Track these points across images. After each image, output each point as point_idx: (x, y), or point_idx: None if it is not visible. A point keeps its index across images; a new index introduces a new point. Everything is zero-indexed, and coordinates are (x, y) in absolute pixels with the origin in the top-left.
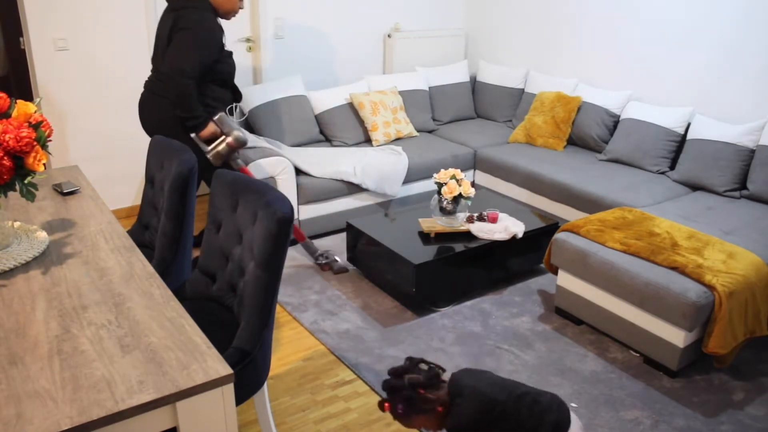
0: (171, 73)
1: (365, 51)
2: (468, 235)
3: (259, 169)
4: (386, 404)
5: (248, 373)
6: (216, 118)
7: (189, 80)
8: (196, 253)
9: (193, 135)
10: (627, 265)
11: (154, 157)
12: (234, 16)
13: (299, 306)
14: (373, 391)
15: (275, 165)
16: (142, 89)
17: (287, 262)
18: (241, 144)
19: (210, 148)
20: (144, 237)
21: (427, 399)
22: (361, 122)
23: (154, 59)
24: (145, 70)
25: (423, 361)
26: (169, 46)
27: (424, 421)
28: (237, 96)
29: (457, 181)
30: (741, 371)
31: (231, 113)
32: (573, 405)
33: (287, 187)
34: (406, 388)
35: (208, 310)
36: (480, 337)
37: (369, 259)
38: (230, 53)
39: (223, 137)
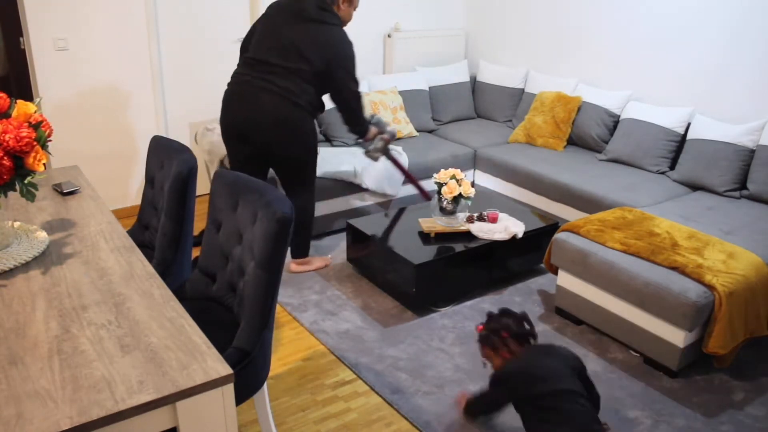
0: (349, 98)
1: (365, 51)
2: (468, 235)
3: None
4: (479, 326)
5: (248, 373)
6: (374, 121)
7: (355, 88)
8: (196, 253)
9: (360, 140)
10: (627, 265)
11: (154, 157)
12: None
13: (299, 306)
14: (373, 391)
15: None
16: (135, 91)
17: (287, 262)
18: (393, 138)
19: (371, 147)
20: (144, 237)
21: (503, 342)
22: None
23: (269, 54)
24: (145, 70)
25: (529, 321)
26: (304, 56)
27: (491, 355)
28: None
29: (457, 181)
30: (741, 371)
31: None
32: None
33: None
34: (499, 325)
35: (208, 310)
36: None
37: (369, 259)
38: None
39: (379, 134)
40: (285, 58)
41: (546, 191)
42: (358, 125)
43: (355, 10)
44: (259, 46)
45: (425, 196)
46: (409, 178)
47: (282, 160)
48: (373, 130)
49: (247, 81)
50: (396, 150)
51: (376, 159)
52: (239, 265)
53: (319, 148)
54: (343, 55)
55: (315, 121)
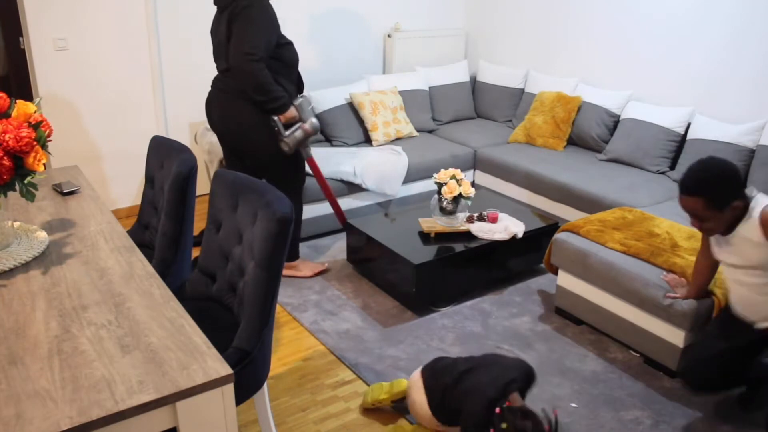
0: (239, 61)
1: (365, 51)
2: (468, 235)
3: None
4: (497, 409)
5: (248, 373)
6: (297, 102)
7: (258, 62)
8: (196, 253)
9: (275, 118)
10: (627, 266)
11: (154, 157)
12: None
13: (299, 306)
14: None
15: None
16: (135, 91)
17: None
18: (315, 131)
19: (287, 133)
20: (144, 237)
21: None
22: (361, 122)
23: (217, 60)
24: (145, 70)
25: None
26: (230, 40)
27: None
28: (300, 86)
29: (457, 181)
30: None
31: None
32: (573, 405)
33: None
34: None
35: (208, 310)
36: (480, 337)
37: (369, 259)
38: (290, 41)
39: (300, 123)
40: (219, 57)
41: (546, 191)
42: (265, 95)
43: None
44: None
45: (340, 217)
46: (326, 190)
47: (249, 157)
48: (291, 111)
49: (212, 85)
50: (395, 150)
51: (288, 150)
52: (239, 265)
53: (319, 148)
54: (243, 12)
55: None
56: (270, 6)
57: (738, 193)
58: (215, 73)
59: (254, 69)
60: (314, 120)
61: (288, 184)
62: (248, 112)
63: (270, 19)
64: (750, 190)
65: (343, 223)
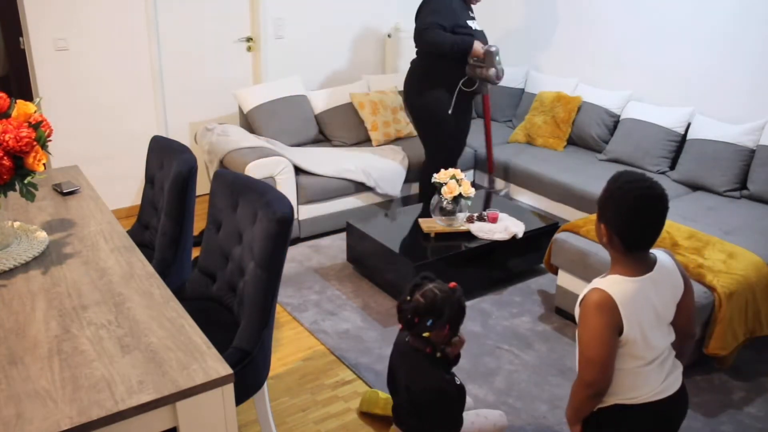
0: (417, 38)
1: (365, 51)
2: (468, 235)
3: (259, 169)
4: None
5: (248, 373)
6: (488, 48)
7: (428, 30)
8: (196, 253)
9: (470, 60)
10: None
11: (154, 157)
12: (474, 2)
13: (299, 306)
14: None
15: (275, 165)
16: (135, 91)
17: (287, 262)
18: (492, 80)
19: (471, 61)
20: (144, 237)
21: None
22: (361, 122)
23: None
24: (145, 70)
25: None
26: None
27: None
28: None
29: (457, 181)
30: (741, 371)
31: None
32: None
33: (287, 187)
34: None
35: (208, 310)
36: (480, 337)
37: (369, 259)
38: (471, 31)
39: (483, 65)
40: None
41: (546, 191)
42: (446, 47)
43: None
44: None
45: (489, 164)
46: (488, 134)
47: (416, 124)
48: (478, 49)
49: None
50: (395, 150)
51: (469, 74)
52: (239, 265)
53: (319, 148)
54: (424, 2)
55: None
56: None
57: (613, 227)
58: (215, 72)
59: (428, 36)
60: (494, 70)
61: (441, 150)
62: (417, 83)
63: (440, 6)
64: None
65: (491, 171)
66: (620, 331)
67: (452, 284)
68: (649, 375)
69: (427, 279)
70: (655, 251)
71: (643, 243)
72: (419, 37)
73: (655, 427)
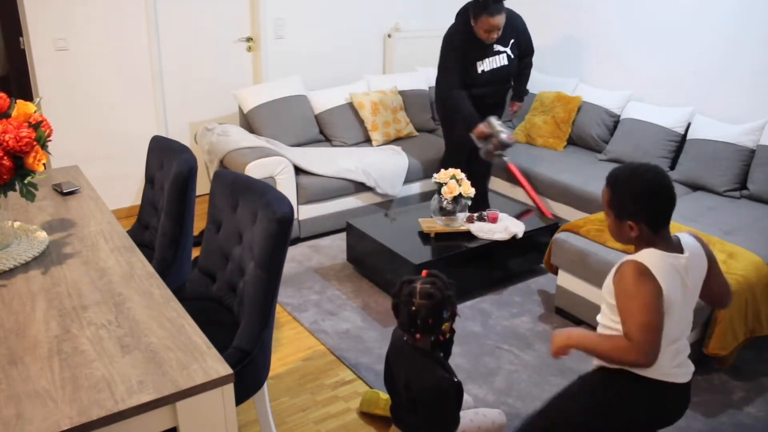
0: (438, 98)
1: (365, 51)
2: (468, 235)
3: (259, 169)
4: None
5: (248, 373)
6: (485, 121)
7: (449, 91)
8: (196, 253)
9: (471, 134)
10: None
11: (154, 157)
12: (487, 41)
13: (299, 306)
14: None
15: (275, 165)
16: (135, 91)
17: (287, 262)
18: (504, 145)
19: (481, 145)
20: (144, 237)
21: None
22: (361, 122)
23: None
24: (145, 70)
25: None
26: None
27: None
28: (477, 105)
29: (457, 181)
30: (741, 371)
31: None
32: None
33: (287, 187)
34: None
35: (208, 310)
36: (480, 337)
37: (369, 259)
38: (478, 71)
39: (491, 137)
40: None
41: (546, 191)
42: (457, 116)
43: (481, 30)
44: None
45: (543, 211)
46: (528, 192)
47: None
48: (480, 128)
49: None
50: (395, 150)
51: (488, 159)
52: (239, 265)
53: (319, 148)
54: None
55: (455, 100)
56: (455, 41)
57: (638, 217)
58: (215, 72)
59: (449, 103)
60: (503, 136)
61: (451, 146)
62: (439, 97)
63: (447, 55)
64: (677, 236)
65: (548, 215)
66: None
67: (424, 272)
68: (664, 353)
69: (405, 284)
70: (679, 234)
71: (667, 216)
72: (441, 100)
73: (652, 409)
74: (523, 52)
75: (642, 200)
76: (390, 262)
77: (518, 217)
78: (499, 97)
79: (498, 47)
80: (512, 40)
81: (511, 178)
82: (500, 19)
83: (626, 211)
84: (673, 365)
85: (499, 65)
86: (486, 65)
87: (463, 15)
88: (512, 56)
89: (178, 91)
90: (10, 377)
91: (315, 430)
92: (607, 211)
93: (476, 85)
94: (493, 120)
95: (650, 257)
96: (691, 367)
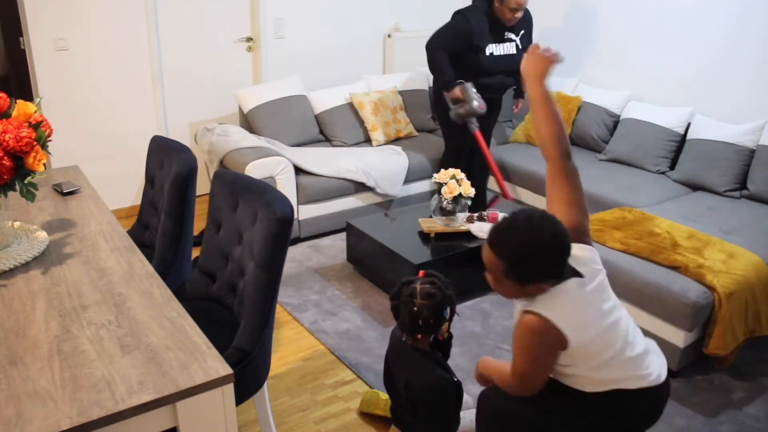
0: (426, 50)
1: (365, 51)
2: (468, 235)
3: (259, 169)
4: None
5: (248, 373)
6: (461, 85)
7: (433, 52)
8: (196, 253)
9: (445, 93)
10: (627, 265)
11: (154, 157)
12: (510, 23)
13: (299, 306)
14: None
15: (275, 165)
16: (135, 91)
17: (287, 262)
18: (473, 113)
19: (453, 107)
20: (144, 237)
21: None
22: (361, 122)
23: None
24: (145, 70)
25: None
26: None
27: None
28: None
29: (457, 181)
30: (741, 371)
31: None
32: None
33: (287, 187)
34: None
35: (208, 310)
36: (480, 337)
37: (369, 259)
38: (487, 53)
39: (463, 103)
40: None
41: (546, 191)
42: (435, 73)
43: (507, 8)
44: None
45: (504, 191)
46: (490, 163)
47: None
48: (455, 91)
49: None
50: (395, 150)
51: (455, 120)
52: (239, 265)
53: (319, 148)
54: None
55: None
56: (462, 23)
57: (546, 277)
58: (215, 72)
59: (428, 56)
60: (475, 103)
61: (451, 145)
62: (435, 88)
63: (451, 30)
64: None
65: (508, 198)
66: (564, 347)
67: (421, 273)
68: (615, 369)
69: (405, 284)
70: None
71: (566, 260)
72: (426, 51)
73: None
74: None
75: (549, 261)
76: (390, 262)
77: (489, 204)
78: (501, 93)
79: (509, 34)
80: (522, 31)
81: (511, 178)
82: None
83: (530, 276)
84: (633, 373)
85: (507, 53)
86: (495, 49)
87: (480, 0)
88: (520, 47)
89: (178, 91)
90: (10, 377)
91: (315, 430)
92: (500, 279)
93: (483, 70)
94: (469, 86)
95: (553, 305)
96: (656, 369)
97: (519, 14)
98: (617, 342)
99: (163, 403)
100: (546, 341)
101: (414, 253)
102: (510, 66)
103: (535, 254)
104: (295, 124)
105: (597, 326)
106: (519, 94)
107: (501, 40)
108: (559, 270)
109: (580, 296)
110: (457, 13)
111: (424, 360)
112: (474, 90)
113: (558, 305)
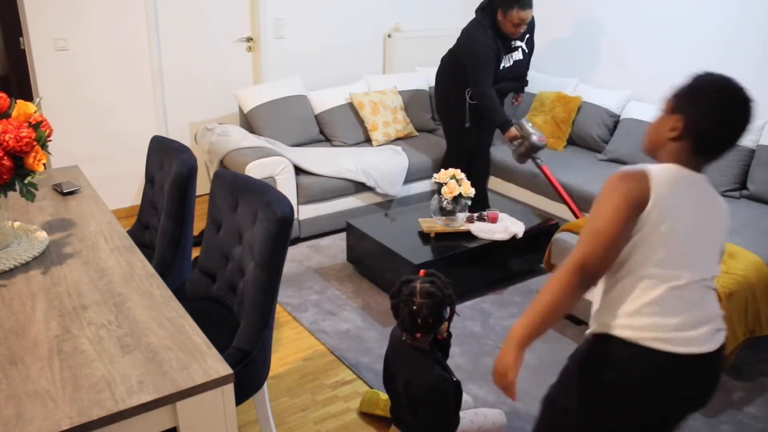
0: (476, 93)
1: (365, 51)
2: (468, 235)
3: (259, 169)
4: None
5: (248, 373)
6: (516, 124)
7: (484, 95)
8: (196, 253)
9: (503, 136)
10: None
11: (154, 157)
12: (515, 36)
13: (299, 306)
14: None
15: (275, 165)
16: (135, 91)
17: (287, 262)
18: (535, 149)
19: (513, 147)
20: (144, 237)
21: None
22: (361, 122)
23: None
24: (145, 70)
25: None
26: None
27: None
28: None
29: (457, 181)
30: (741, 371)
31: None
32: None
33: (287, 187)
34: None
35: (208, 310)
36: (480, 337)
37: (369, 259)
38: (500, 67)
39: (523, 140)
40: None
41: (546, 191)
42: (490, 118)
43: (510, 23)
44: None
45: (577, 213)
46: (560, 193)
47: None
48: (512, 131)
49: None
50: (395, 150)
51: (519, 161)
52: (239, 265)
53: (319, 148)
54: (467, 47)
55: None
56: (477, 46)
57: (694, 118)
58: (215, 72)
59: (485, 103)
60: (534, 138)
61: (453, 146)
62: (444, 88)
63: (486, 55)
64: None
65: (578, 216)
66: (642, 208)
67: (422, 272)
68: (665, 301)
69: (405, 283)
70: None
71: (720, 146)
72: (479, 101)
73: (656, 387)
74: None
75: (711, 109)
76: (390, 262)
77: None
78: (506, 96)
79: (515, 42)
80: (527, 35)
81: (511, 178)
82: (530, 13)
83: (685, 108)
84: (682, 320)
85: (516, 60)
86: (507, 62)
87: (483, 14)
88: (526, 51)
89: (178, 91)
90: (10, 377)
91: (315, 430)
92: (664, 105)
93: (496, 80)
94: (524, 122)
95: (661, 167)
96: (723, 330)
97: (522, 28)
98: (691, 267)
99: (163, 403)
100: (632, 187)
101: (414, 253)
102: (517, 72)
103: (704, 87)
104: (295, 124)
105: (686, 227)
106: (519, 89)
107: (509, 50)
108: (710, 128)
109: (693, 186)
110: (472, 41)
111: (423, 360)
112: (530, 124)
113: (665, 170)
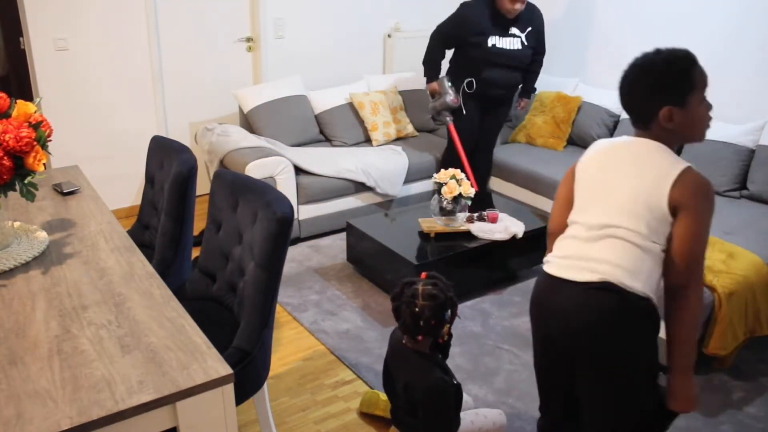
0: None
1: (365, 51)
2: (468, 235)
3: (259, 169)
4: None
5: (248, 373)
6: (439, 79)
7: (432, 40)
8: (196, 253)
9: (425, 86)
10: None
11: (154, 157)
12: (510, 15)
13: (299, 306)
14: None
15: (275, 165)
16: (135, 91)
17: (287, 262)
18: (446, 107)
19: (431, 100)
20: (144, 237)
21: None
22: (361, 122)
23: None
24: (145, 69)
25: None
26: None
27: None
28: (476, 81)
29: (457, 181)
30: (741, 371)
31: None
32: None
33: (287, 187)
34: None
35: (208, 310)
36: (480, 337)
37: (369, 259)
38: (489, 44)
39: (439, 95)
40: None
41: (546, 191)
42: (424, 63)
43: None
44: None
45: (473, 182)
46: (462, 160)
47: None
48: (433, 85)
49: None
50: (395, 150)
51: (431, 114)
52: (239, 265)
53: (319, 148)
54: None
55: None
56: (467, 11)
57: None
58: (215, 72)
59: (429, 41)
60: (449, 98)
61: (453, 145)
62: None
63: (454, 19)
64: None
65: (477, 189)
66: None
67: (423, 274)
68: (564, 236)
69: (406, 285)
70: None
71: (624, 107)
72: (429, 41)
73: (533, 300)
74: (536, 48)
75: (680, 81)
76: (390, 262)
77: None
78: (509, 90)
79: (514, 30)
80: (529, 29)
81: (511, 178)
82: None
83: (668, 96)
84: (557, 253)
85: (512, 47)
86: (498, 41)
87: None
88: (526, 44)
89: (178, 91)
90: (10, 377)
91: (315, 430)
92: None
93: (487, 62)
94: (445, 81)
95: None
96: (582, 269)
97: (518, 6)
98: (587, 213)
99: (163, 403)
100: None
101: (414, 253)
102: (514, 61)
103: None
104: (295, 124)
105: (590, 180)
106: (524, 93)
107: (505, 34)
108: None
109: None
110: (461, 5)
111: (423, 362)
112: (449, 84)
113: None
